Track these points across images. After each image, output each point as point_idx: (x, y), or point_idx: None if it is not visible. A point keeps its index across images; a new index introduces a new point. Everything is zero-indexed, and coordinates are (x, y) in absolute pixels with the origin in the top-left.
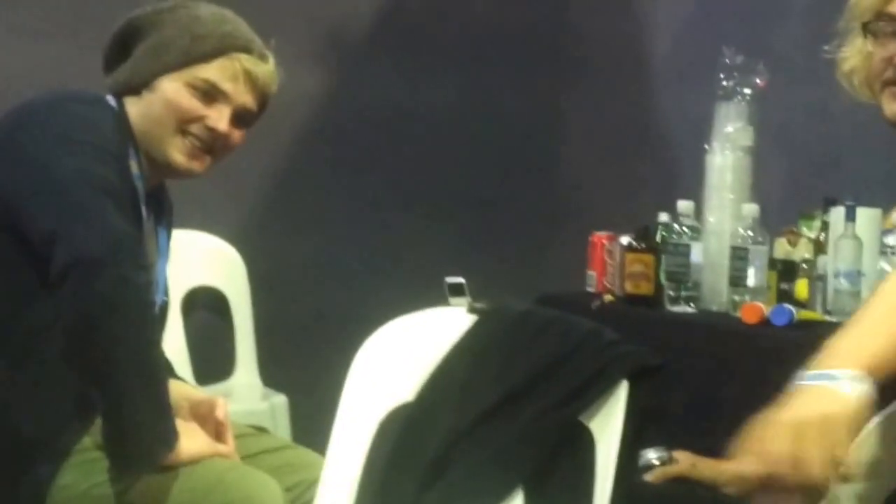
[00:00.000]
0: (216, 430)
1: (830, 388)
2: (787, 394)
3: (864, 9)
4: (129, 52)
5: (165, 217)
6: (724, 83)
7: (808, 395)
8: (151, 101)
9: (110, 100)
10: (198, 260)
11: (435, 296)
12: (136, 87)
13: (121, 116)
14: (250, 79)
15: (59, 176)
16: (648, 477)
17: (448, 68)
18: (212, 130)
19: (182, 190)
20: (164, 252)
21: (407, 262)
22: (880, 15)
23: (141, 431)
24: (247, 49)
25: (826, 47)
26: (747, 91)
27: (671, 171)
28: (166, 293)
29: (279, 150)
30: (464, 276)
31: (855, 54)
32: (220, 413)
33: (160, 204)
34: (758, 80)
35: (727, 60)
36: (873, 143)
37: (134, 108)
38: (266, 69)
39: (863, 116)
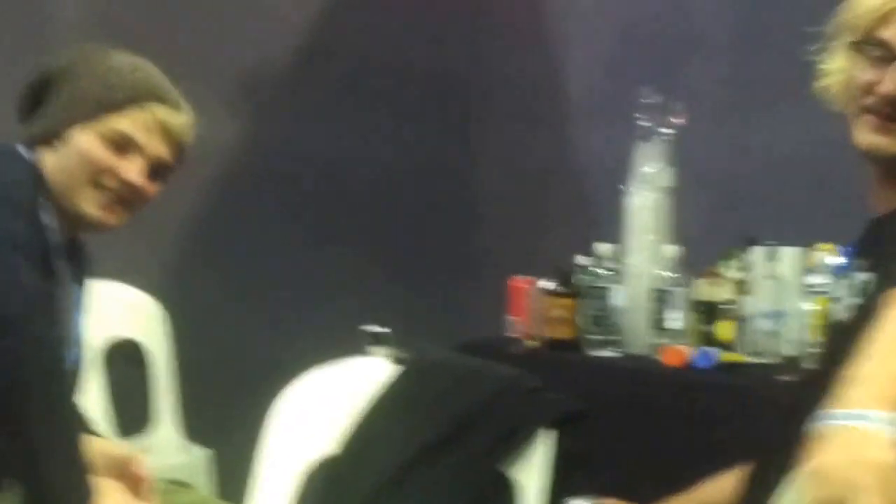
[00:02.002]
0: (136, 487)
1: (870, 430)
2: (815, 437)
3: (854, 27)
4: (43, 102)
5: (83, 269)
6: (642, 123)
7: (849, 438)
8: (64, 152)
9: (23, 151)
10: (116, 312)
11: (356, 344)
12: (50, 139)
13: (33, 168)
14: (165, 129)
15: None
16: None
17: (363, 113)
18: (125, 183)
19: (99, 240)
20: (80, 305)
21: (327, 310)
22: (869, 37)
23: (56, 490)
24: (161, 99)
25: (810, 48)
26: (665, 130)
27: (590, 214)
28: (84, 347)
29: (197, 198)
30: (384, 324)
31: (837, 71)
32: (139, 469)
33: (77, 256)
34: (676, 119)
35: (644, 100)
36: (795, 181)
37: (48, 159)
38: (181, 119)
39: (783, 153)
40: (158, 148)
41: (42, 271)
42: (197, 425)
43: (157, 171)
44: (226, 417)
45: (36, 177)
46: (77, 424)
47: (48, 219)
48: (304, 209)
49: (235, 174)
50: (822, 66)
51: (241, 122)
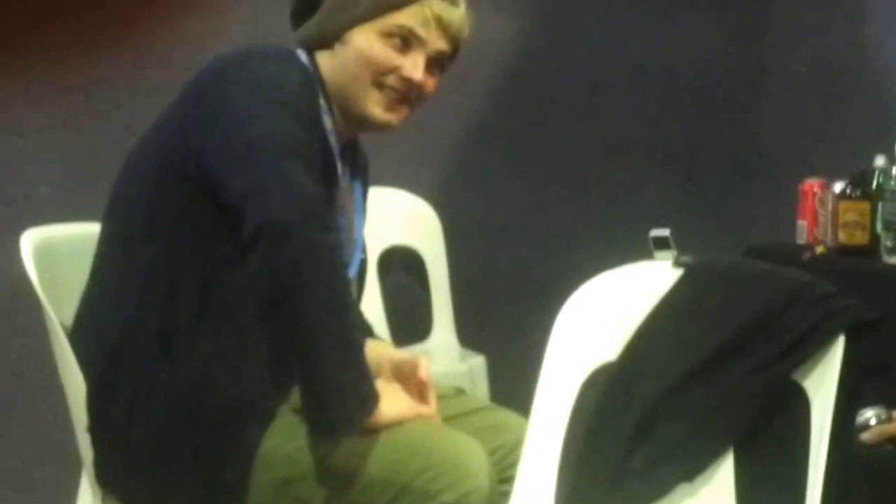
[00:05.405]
0: (418, 391)
1: None
2: None
3: None
4: (317, 5)
5: (361, 173)
6: None
7: None
8: (344, 54)
9: (301, 54)
10: (393, 218)
11: (639, 250)
12: (328, 41)
13: (312, 71)
14: (442, 25)
15: (248, 138)
16: (866, 436)
17: (645, 11)
18: (408, 81)
19: (375, 146)
20: (360, 209)
21: (608, 215)
22: None
23: (338, 395)
24: None
25: None
26: None
27: (889, 111)
28: (364, 251)
29: (472, 102)
30: (668, 229)
31: None
32: (423, 373)
33: (355, 160)
34: None
35: None
36: None
37: (326, 62)
38: (457, 13)
39: None
40: (437, 42)
41: (322, 176)
42: (471, 332)
43: (435, 63)
44: (500, 325)
45: (315, 80)
46: (357, 329)
47: (329, 123)
48: (583, 112)
49: (510, 77)
50: None
51: (517, 22)
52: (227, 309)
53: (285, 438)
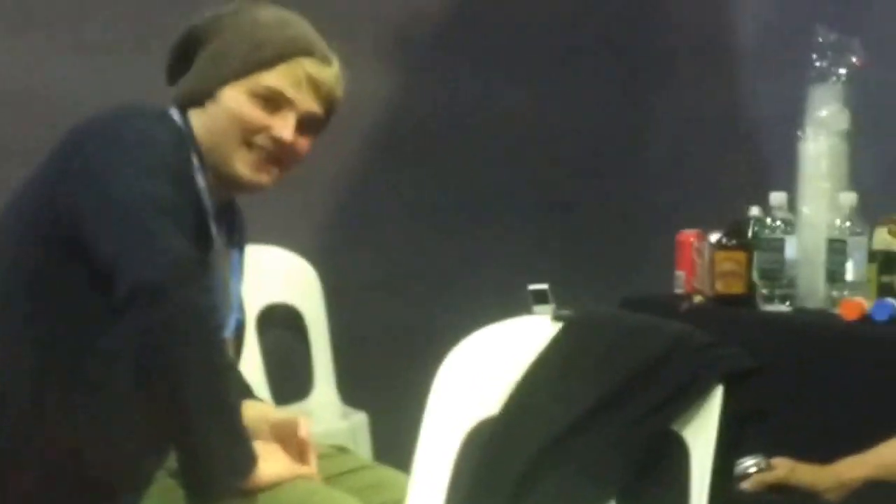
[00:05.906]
0: (299, 451)
1: None
2: None
3: None
4: (191, 62)
5: (237, 233)
6: (817, 64)
7: None
8: (215, 112)
9: (174, 113)
10: (272, 276)
11: (517, 304)
12: (199, 99)
13: (185, 130)
14: (314, 84)
15: (118, 198)
16: (745, 485)
17: (522, 65)
18: (277, 140)
19: (253, 203)
20: (237, 269)
21: (486, 270)
22: None
23: (214, 459)
24: (309, 53)
25: None
26: (842, 71)
27: (762, 162)
28: (241, 311)
29: (349, 157)
30: (545, 283)
31: None
32: (302, 433)
33: (231, 219)
34: (854, 59)
35: (820, 39)
36: None
37: (198, 120)
38: (330, 73)
39: None
40: (308, 102)
41: (196, 236)
42: (353, 389)
43: (307, 125)
44: (381, 381)
45: (187, 139)
46: (233, 392)
47: (202, 182)
48: (461, 166)
49: (387, 131)
50: None
51: (393, 78)
52: (100, 374)
53: (163, 503)
